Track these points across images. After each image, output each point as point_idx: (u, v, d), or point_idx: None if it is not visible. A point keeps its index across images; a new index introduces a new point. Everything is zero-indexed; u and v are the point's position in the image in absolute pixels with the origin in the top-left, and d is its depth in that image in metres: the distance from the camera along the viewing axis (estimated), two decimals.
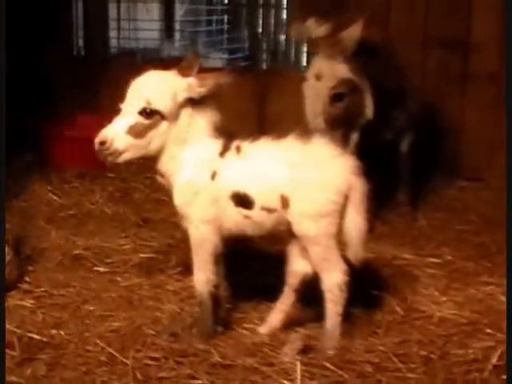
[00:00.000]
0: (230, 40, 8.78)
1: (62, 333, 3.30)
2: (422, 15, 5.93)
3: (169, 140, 3.10)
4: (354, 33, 4.27)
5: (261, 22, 8.67)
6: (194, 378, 2.95)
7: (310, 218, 3.00)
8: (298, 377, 2.91)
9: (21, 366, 3.04)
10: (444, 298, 3.73)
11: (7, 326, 3.26)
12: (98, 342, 3.21)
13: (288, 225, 3.06)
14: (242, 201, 3.07)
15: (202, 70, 3.20)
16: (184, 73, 3.12)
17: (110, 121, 3.11)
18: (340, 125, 4.31)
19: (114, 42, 7.55)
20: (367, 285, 3.78)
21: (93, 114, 6.46)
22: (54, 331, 3.31)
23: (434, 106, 5.65)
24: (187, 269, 3.69)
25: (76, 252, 4.28)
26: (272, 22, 8.57)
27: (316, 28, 4.40)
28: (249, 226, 3.12)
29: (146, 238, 4.55)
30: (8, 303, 3.57)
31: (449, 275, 4.01)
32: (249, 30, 8.51)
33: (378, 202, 4.89)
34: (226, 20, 8.95)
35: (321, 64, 4.32)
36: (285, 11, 8.29)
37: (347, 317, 3.22)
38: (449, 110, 5.89)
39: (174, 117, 3.09)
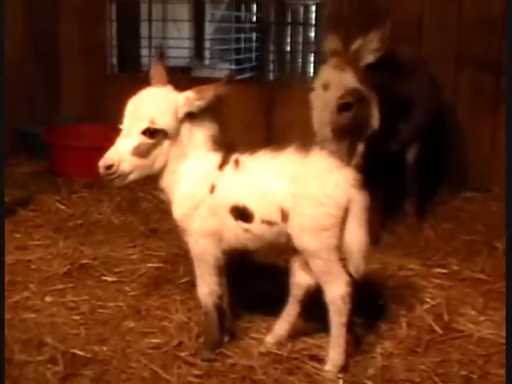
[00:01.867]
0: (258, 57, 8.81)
1: (105, 349, 3.32)
2: (454, 35, 5.96)
3: (170, 156, 3.10)
4: (366, 44, 4.31)
5: (289, 39, 8.68)
6: None
7: (309, 232, 2.98)
8: None
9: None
10: (482, 318, 3.71)
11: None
12: (141, 358, 3.23)
13: (288, 238, 3.05)
14: (242, 214, 3.06)
15: (203, 83, 3.21)
16: (159, 83, 3.16)
17: (116, 130, 3.11)
18: (347, 135, 4.31)
19: (145, 60, 7.64)
20: (373, 295, 3.81)
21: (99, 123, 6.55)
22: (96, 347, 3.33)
23: (442, 116, 5.67)
24: (195, 279, 3.72)
25: (84, 261, 4.29)
26: (300, 39, 8.58)
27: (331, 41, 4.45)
28: (249, 239, 3.11)
29: (154, 248, 4.57)
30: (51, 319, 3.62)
31: (485, 295, 3.98)
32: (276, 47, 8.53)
33: (385, 213, 4.93)
34: (254, 38, 8.98)
35: (328, 74, 4.34)
36: (313, 29, 8.30)
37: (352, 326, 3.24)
38: (482, 129, 5.92)
39: (175, 133, 3.08)
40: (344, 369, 3.12)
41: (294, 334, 3.38)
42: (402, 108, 4.68)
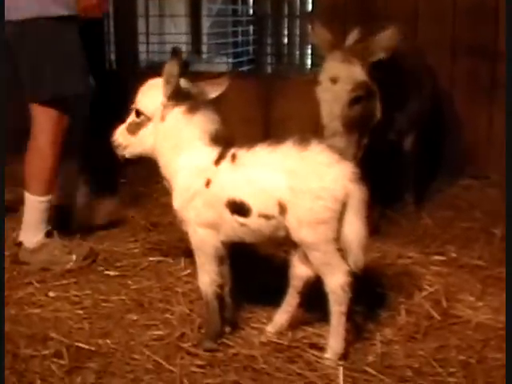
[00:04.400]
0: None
1: (109, 341, 3.38)
2: (450, 24, 5.99)
3: (160, 141, 3.26)
4: (388, 37, 4.29)
5: (286, 32, 8.65)
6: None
7: (307, 225, 3.01)
8: (341, 382, 2.99)
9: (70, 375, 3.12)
10: (480, 304, 3.75)
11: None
12: (144, 350, 3.28)
13: (287, 231, 3.09)
14: (238, 208, 3.10)
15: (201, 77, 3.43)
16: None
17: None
18: (356, 128, 4.32)
19: (143, 56, 7.65)
20: (372, 284, 3.86)
21: None
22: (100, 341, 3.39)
23: (440, 105, 5.70)
24: (196, 271, 3.77)
25: None
26: (297, 31, 8.56)
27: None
28: (246, 233, 3.16)
29: (155, 242, 4.62)
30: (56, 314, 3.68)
31: (483, 281, 4.02)
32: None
33: (384, 202, 4.96)
34: (251, 31, 8.94)
35: (336, 67, 4.31)
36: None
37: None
38: (479, 117, 5.96)
39: (158, 118, 3.25)
40: (344, 356, 3.17)
41: (295, 324, 3.43)
42: (398, 97, 4.70)
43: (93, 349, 3.29)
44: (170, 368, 3.12)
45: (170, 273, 4.12)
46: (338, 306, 3.11)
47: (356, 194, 3.01)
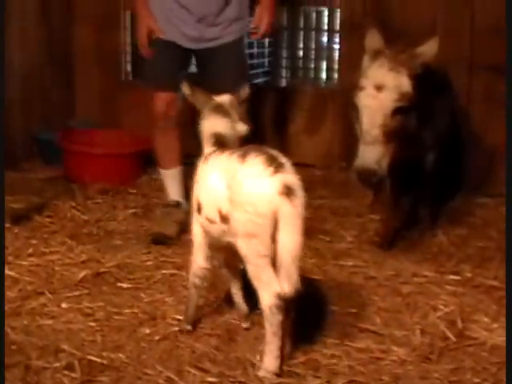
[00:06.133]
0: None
1: (121, 355, 3.35)
2: (467, 40, 5.99)
3: None
4: (431, 48, 4.28)
5: (301, 45, 8.66)
6: None
7: (241, 236, 3.04)
8: None
9: None
10: (495, 325, 3.69)
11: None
12: (156, 365, 3.26)
13: None
14: (197, 207, 3.32)
15: None
16: None
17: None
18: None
19: None
20: (386, 302, 3.85)
21: (114, 129, 6.64)
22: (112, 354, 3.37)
23: (458, 122, 5.66)
24: (210, 285, 3.76)
25: (99, 268, 4.34)
26: (313, 45, 8.57)
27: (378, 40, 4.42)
28: (204, 232, 3.37)
29: (169, 255, 4.59)
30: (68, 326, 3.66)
31: (498, 301, 3.94)
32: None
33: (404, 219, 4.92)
34: (266, 43, 8.93)
35: (383, 74, 4.24)
36: (325, 34, 8.31)
37: None
38: (495, 134, 5.86)
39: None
40: (278, 375, 3.11)
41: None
42: (424, 112, 4.63)
43: (105, 362, 3.27)
44: None
45: (183, 286, 4.08)
46: (269, 326, 3.05)
47: (286, 208, 2.94)
